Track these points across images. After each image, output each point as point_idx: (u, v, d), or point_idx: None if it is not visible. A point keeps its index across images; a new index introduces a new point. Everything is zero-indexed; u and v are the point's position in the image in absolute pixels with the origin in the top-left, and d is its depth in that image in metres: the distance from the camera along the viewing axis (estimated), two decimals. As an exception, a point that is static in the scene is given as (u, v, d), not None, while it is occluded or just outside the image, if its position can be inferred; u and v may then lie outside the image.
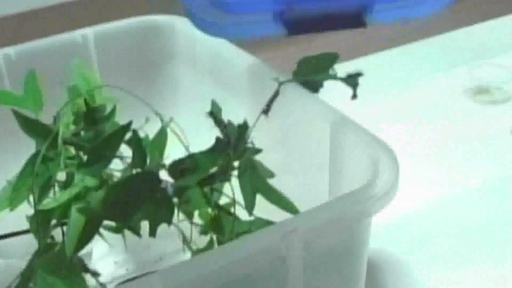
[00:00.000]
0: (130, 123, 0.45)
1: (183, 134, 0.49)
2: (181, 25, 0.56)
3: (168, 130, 0.50)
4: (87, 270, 0.50)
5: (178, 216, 0.47)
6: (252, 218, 0.46)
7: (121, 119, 0.52)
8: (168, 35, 0.56)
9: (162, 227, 0.46)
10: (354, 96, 0.45)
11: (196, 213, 0.49)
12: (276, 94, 0.44)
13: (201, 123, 0.52)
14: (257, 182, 0.45)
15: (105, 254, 0.59)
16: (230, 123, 0.45)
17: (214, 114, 0.46)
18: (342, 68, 0.46)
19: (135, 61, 0.57)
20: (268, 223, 0.45)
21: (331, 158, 0.41)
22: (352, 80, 0.45)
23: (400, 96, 0.79)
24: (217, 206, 0.47)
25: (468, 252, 0.57)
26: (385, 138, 0.73)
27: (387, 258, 0.57)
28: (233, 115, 0.47)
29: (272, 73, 0.46)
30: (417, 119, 0.76)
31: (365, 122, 0.76)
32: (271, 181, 0.46)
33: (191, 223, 0.49)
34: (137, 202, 0.43)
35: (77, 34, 0.55)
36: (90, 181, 0.45)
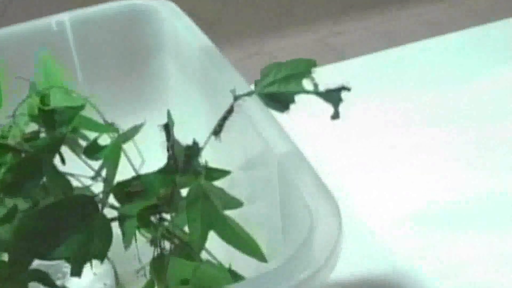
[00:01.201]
0: (63, 137, 0.38)
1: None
2: (165, 10, 0.48)
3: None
4: (52, 285, 0.44)
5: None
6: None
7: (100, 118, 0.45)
8: (153, 21, 0.48)
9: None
10: (336, 116, 0.35)
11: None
12: (229, 112, 0.35)
13: (193, 121, 0.45)
14: (210, 215, 0.37)
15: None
16: (177, 141, 0.37)
17: (168, 128, 0.38)
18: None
19: (118, 50, 0.50)
20: (221, 269, 0.37)
21: (280, 199, 0.32)
22: (333, 96, 0.35)
23: (455, 93, 0.68)
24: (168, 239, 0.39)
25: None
26: (433, 143, 0.64)
27: None
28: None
29: (240, 83, 0.37)
30: (472, 120, 0.64)
31: (412, 122, 0.65)
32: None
33: (157, 246, 0.42)
34: (61, 233, 0.36)
35: (52, 20, 0.49)
36: (20, 202, 0.39)
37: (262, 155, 0.33)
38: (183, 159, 0.36)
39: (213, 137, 0.36)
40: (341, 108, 0.34)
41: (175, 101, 0.48)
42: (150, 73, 0.50)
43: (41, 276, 0.44)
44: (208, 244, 0.37)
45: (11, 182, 0.37)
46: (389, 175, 0.60)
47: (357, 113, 0.66)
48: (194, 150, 0.36)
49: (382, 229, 0.54)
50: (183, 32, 0.45)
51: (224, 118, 0.35)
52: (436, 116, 0.66)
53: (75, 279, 0.53)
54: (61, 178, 0.36)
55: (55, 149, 0.37)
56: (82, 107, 0.44)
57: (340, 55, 0.93)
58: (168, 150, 0.37)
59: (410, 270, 0.50)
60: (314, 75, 0.36)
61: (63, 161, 0.44)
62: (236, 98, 0.35)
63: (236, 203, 0.39)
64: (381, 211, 0.56)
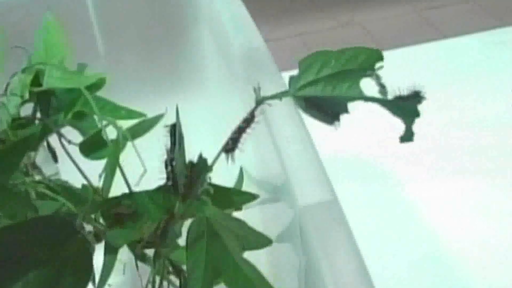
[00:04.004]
0: (43, 128, 0.29)
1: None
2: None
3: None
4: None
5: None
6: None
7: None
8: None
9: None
10: (408, 137, 0.24)
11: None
12: (247, 121, 0.24)
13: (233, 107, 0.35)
14: (217, 259, 0.26)
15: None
16: (181, 156, 0.26)
17: (175, 131, 0.28)
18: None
19: (147, 19, 0.40)
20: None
21: (305, 265, 0.21)
22: (406, 107, 0.23)
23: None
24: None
25: None
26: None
27: None
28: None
29: (274, 74, 0.26)
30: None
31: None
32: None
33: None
34: (20, 265, 0.27)
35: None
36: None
37: (282, 192, 0.23)
38: (184, 181, 0.26)
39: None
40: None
41: (211, 86, 0.38)
42: (184, 48, 0.39)
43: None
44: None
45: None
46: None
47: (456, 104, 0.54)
48: (199, 168, 0.26)
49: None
50: (220, 3, 0.34)
51: (240, 131, 0.24)
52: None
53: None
54: (12, 195, 0.27)
55: (21, 151, 0.28)
56: (80, 91, 0.34)
57: (438, 31, 0.80)
58: (166, 166, 0.27)
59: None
60: (379, 72, 0.25)
61: (55, 159, 0.35)
62: (258, 102, 0.24)
63: (261, 241, 0.28)
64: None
